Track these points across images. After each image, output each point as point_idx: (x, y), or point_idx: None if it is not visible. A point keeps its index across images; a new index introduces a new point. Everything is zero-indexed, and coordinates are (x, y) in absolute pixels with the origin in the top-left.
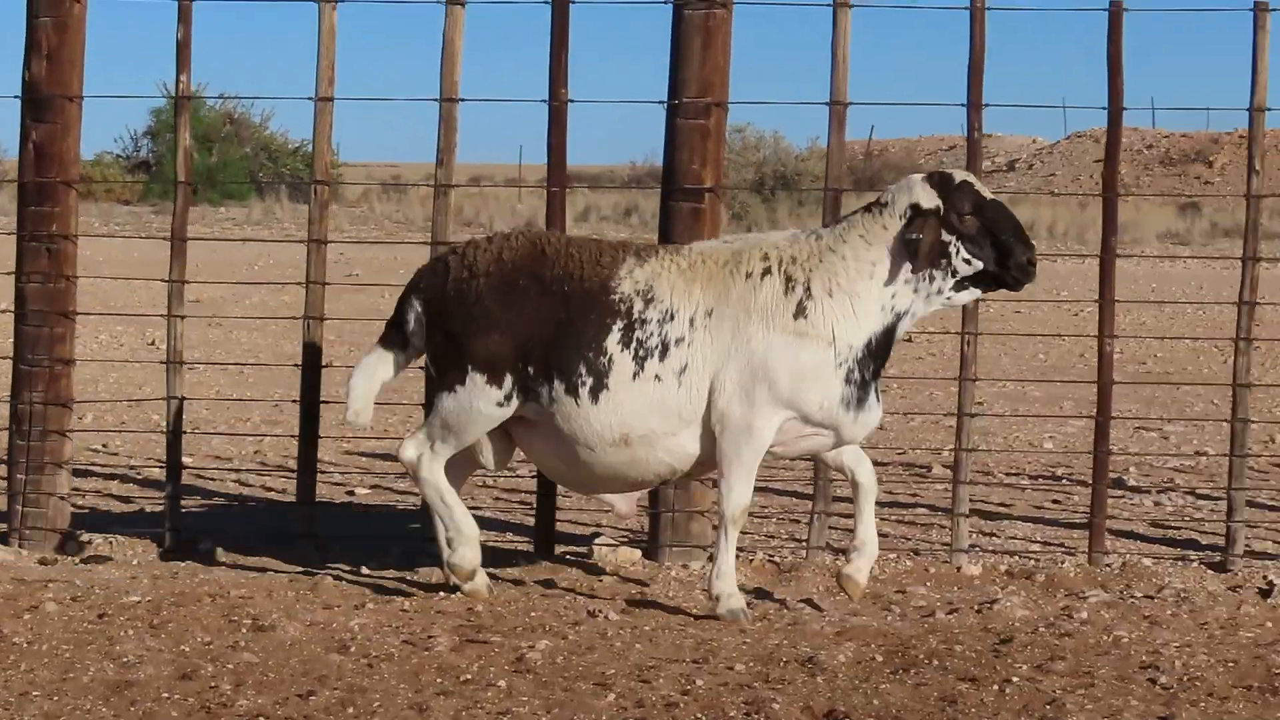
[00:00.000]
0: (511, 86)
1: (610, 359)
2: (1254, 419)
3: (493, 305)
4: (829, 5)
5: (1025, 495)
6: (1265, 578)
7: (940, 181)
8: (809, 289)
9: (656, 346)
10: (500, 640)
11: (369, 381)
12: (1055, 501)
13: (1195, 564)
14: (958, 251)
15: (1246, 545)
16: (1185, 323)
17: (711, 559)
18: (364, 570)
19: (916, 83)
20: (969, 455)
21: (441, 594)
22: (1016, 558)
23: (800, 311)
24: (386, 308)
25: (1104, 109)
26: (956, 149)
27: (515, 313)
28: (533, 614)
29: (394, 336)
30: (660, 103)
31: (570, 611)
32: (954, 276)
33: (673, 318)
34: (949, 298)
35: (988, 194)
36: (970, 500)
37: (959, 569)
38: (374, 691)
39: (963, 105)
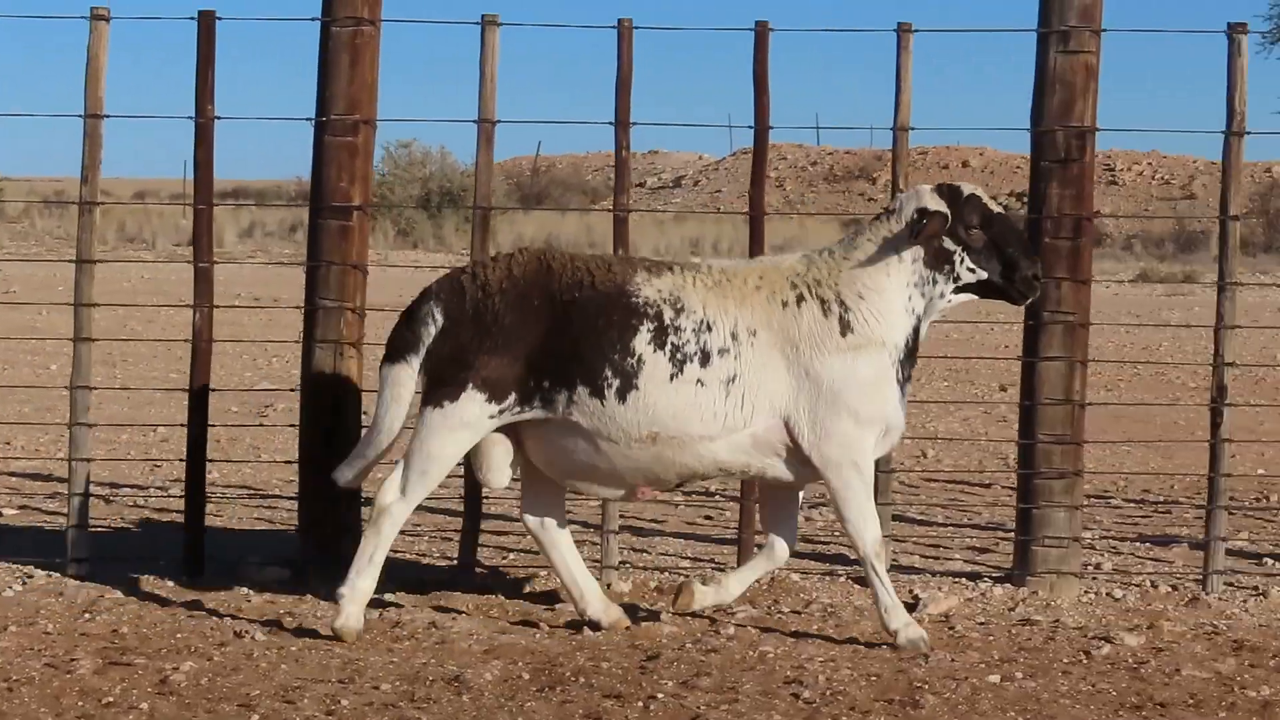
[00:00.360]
0: (174, 102)
1: (640, 359)
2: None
3: (508, 322)
4: (477, 24)
5: (678, 511)
6: (911, 592)
7: (949, 193)
8: (843, 303)
9: (695, 353)
10: (144, 662)
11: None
12: (708, 518)
13: (843, 579)
14: (962, 260)
15: (894, 560)
16: None
17: (875, 601)
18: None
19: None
20: None
21: (86, 616)
22: (667, 574)
23: (846, 327)
24: (44, 325)
25: (751, 127)
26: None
27: (531, 328)
28: (178, 635)
29: (409, 354)
30: (308, 120)
31: (216, 632)
32: (957, 283)
33: (710, 328)
34: (949, 301)
35: (995, 208)
36: (622, 516)
37: (609, 585)
38: (13, 716)
39: (610, 124)
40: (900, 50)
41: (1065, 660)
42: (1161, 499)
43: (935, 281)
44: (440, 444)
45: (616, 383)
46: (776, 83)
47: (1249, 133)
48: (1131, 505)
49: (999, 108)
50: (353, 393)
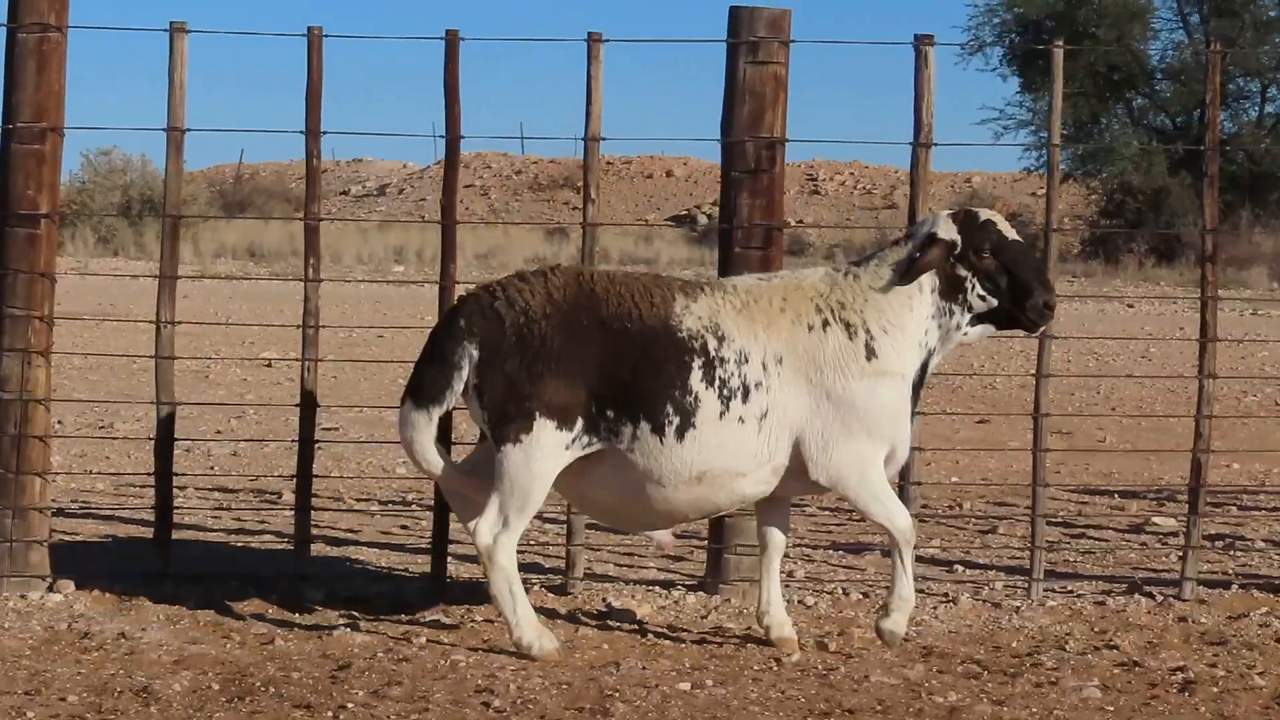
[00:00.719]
0: None
1: (696, 397)
2: None
3: (559, 347)
4: (165, 31)
5: (374, 521)
6: (604, 600)
7: (965, 218)
8: (869, 330)
9: (739, 388)
10: None
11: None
12: (404, 527)
13: (536, 587)
14: (973, 288)
15: (588, 568)
16: None
17: (888, 589)
18: None
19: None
20: (313, 481)
21: None
22: (360, 583)
23: (871, 353)
24: None
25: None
26: (328, 172)
27: (583, 354)
28: None
29: (438, 389)
30: None
31: None
32: (970, 312)
33: (747, 360)
34: (965, 333)
35: (1011, 234)
36: (318, 526)
37: (302, 595)
38: None
39: (301, 132)
40: (590, 60)
41: (756, 667)
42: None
43: (951, 313)
44: (529, 476)
45: (676, 420)
46: (483, 92)
47: (937, 144)
48: (826, 513)
49: (704, 117)
50: (41, 401)
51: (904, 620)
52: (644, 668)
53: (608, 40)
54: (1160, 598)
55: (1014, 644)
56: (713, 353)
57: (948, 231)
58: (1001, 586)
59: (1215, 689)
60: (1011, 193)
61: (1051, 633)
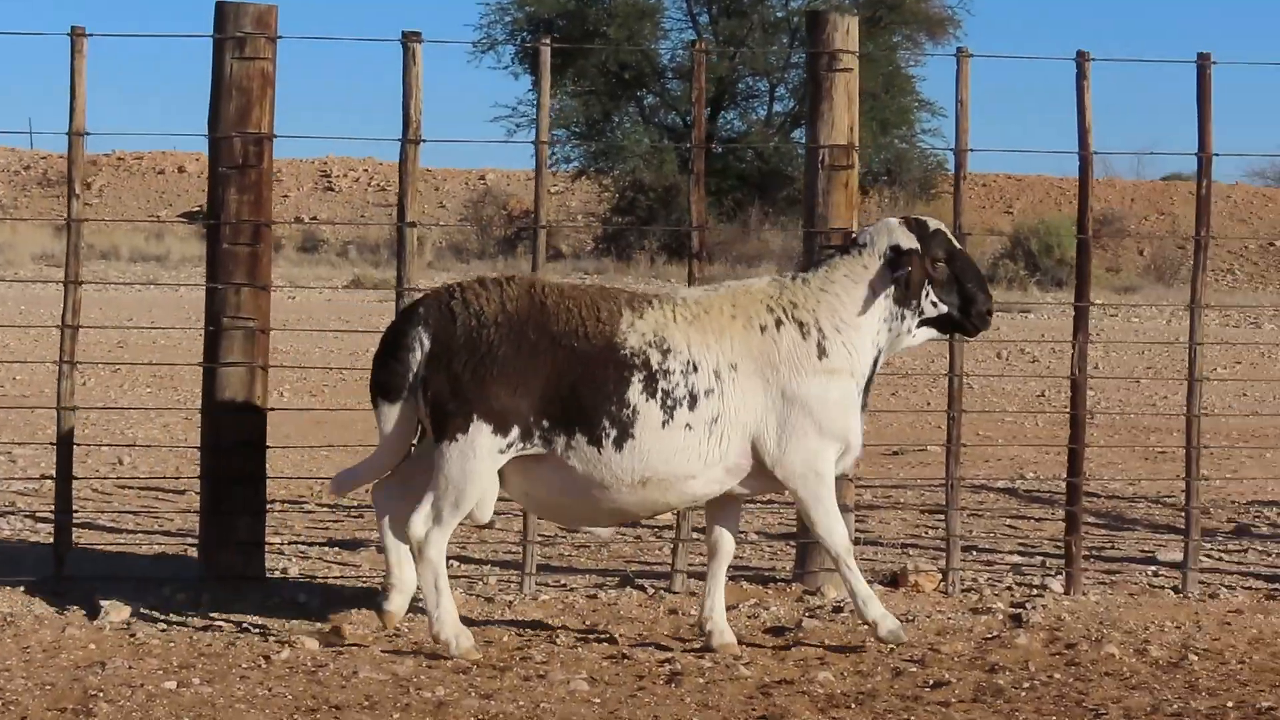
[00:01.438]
0: None
1: (635, 410)
2: (102, 442)
3: (505, 355)
4: None
5: None
6: (93, 600)
7: (918, 226)
8: (821, 329)
9: (684, 397)
10: None
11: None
12: None
13: (22, 589)
14: (927, 294)
15: (79, 568)
16: (51, 344)
17: (852, 595)
18: None
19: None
20: None
21: None
22: None
23: (822, 352)
24: None
25: None
26: None
27: (526, 365)
28: None
29: (394, 377)
30: None
31: None
32: (920, 316)
33: (696, 369)
34: (914, 335)
35: (957, 244)
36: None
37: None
38: None
39: None
40: (74, 54)
41: (245, 665)
42: (355, 504)
43: (903, 317)
44: (462, 474)
45: (614, 433)
46: None
47: (425, 140)
48: (325, 510)
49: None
50: None
51: (886, 616)
52: (130, 667)
53: (91, 35)
54: (652, 591)
55: (504, 638)
56: (655, 366)
57: (909, 241)
58: (495, 581)
59: (702, 680)
60: (525, 190)
61: (542, 626)
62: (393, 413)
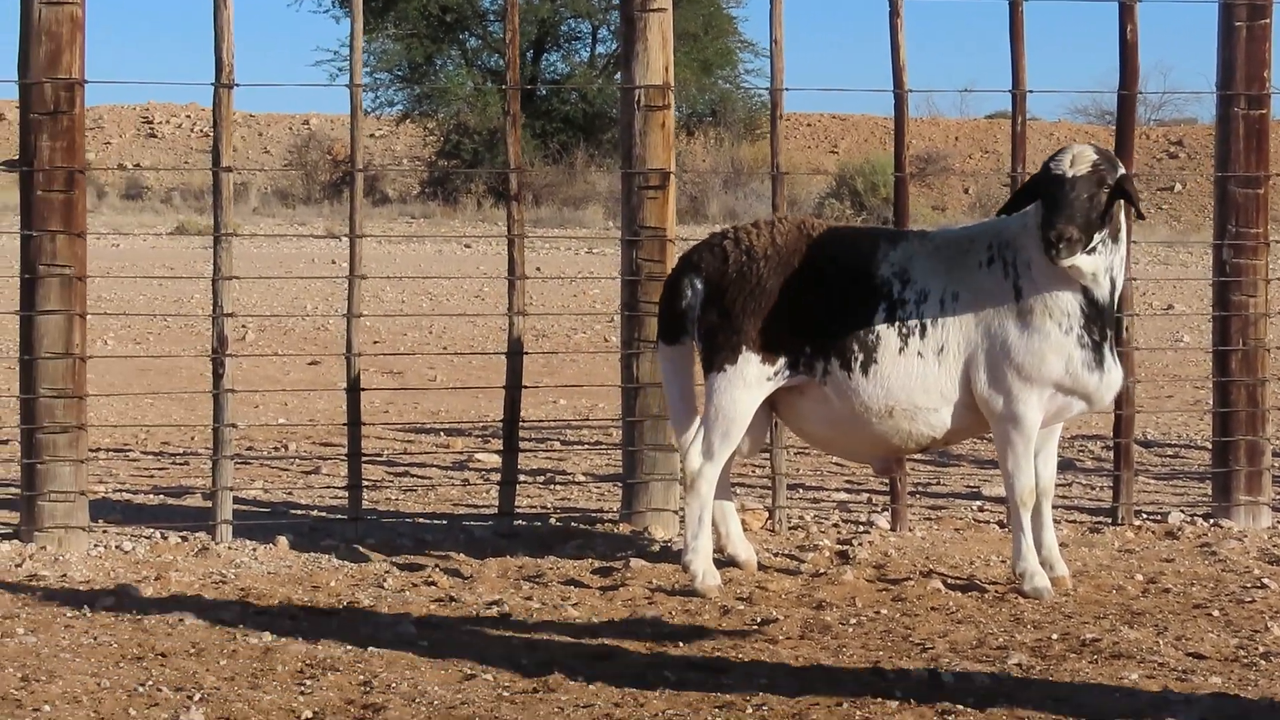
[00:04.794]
0: None
1: (878, 336)
2: None
3: (772, 286)
4: None
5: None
6: None
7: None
8: (1017, 268)
9: (916, 326)
10: None
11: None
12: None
13: None
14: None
15: None
16: None
17: (1015, 545)
18: None
19: None
20: None
21: None
22: None
23: (1018, 293)
24: None
25: None
26: None
27: (792, 294)
28: None
29: (673, 326)
30: None
31: None
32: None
33: (926, 298)
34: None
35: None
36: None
37: None
38: None
39: None
40: None
41: (69, 614)
42: (181, 450)
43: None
44: (731, 403)
45: (861, 357)
46: None
47: (237, 85)
48: (150, 457)
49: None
50: None
51: (1032, 564)
52: None
53: None
54: (480, 533)
55: (333, 583)
56: (896, 295)
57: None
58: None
59: (529, 620)
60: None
61: (370, 571)
62: (672, 354)
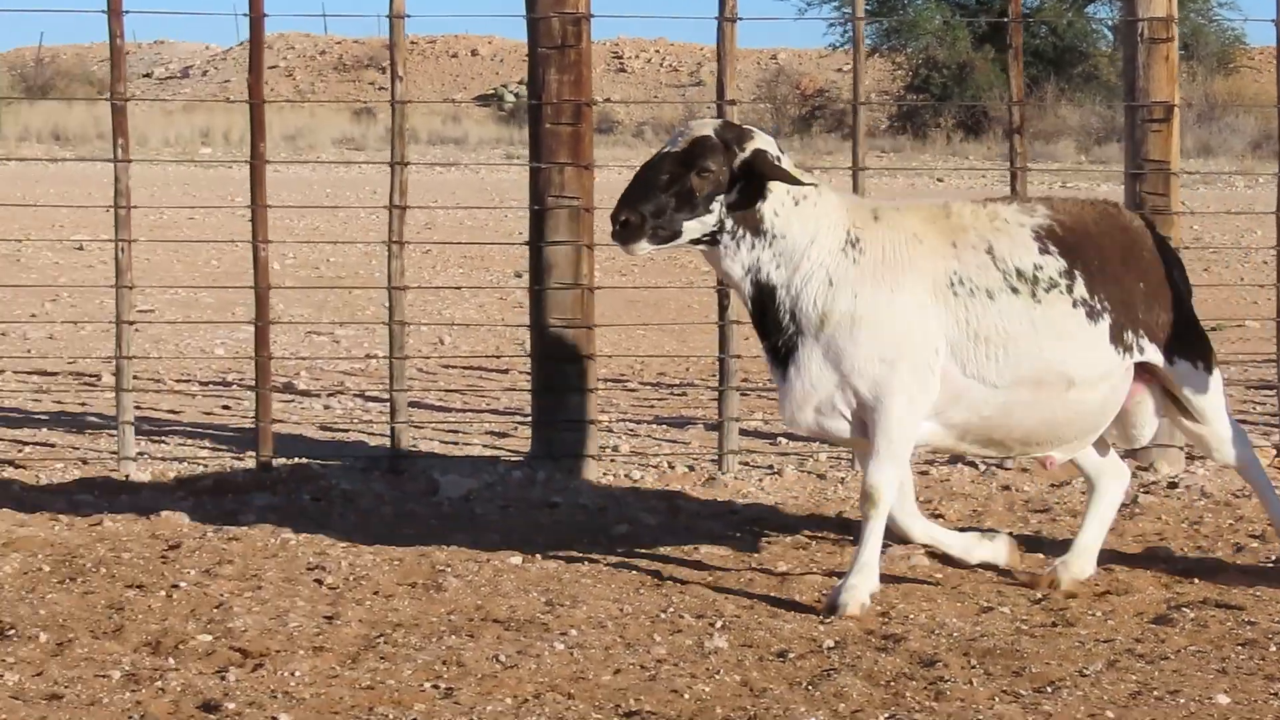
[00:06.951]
0: None
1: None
2: (422, 321)
3: None
4: None
5: (196, 401)
6: (429, 475)
7: None
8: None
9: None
10: None
11: None
12: (226, 407)
13: (360, 467)
14: None
15: (412, 445)
16: (359, 227)
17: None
18: None
19: None
20: (132, 363)
21: None
22: (185, 464)
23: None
24: None
25: (247, 15)
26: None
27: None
28: None
29: None
30: None
31: None
32: None
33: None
34: None
35: None
36: (139, 408)
37: (127, 477)
38: None
39: (103, 12)
40: None
41: (585, 541)
42: (677, 382)
43: None
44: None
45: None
46: None
47: (741, 19)
48: (648, 388)
49: None
50: None
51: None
52: (474, 541)
53: None
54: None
55: (845, 510)
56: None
57: None
58: (825, 459)
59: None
60: (818, 69)
61: None
62: None
